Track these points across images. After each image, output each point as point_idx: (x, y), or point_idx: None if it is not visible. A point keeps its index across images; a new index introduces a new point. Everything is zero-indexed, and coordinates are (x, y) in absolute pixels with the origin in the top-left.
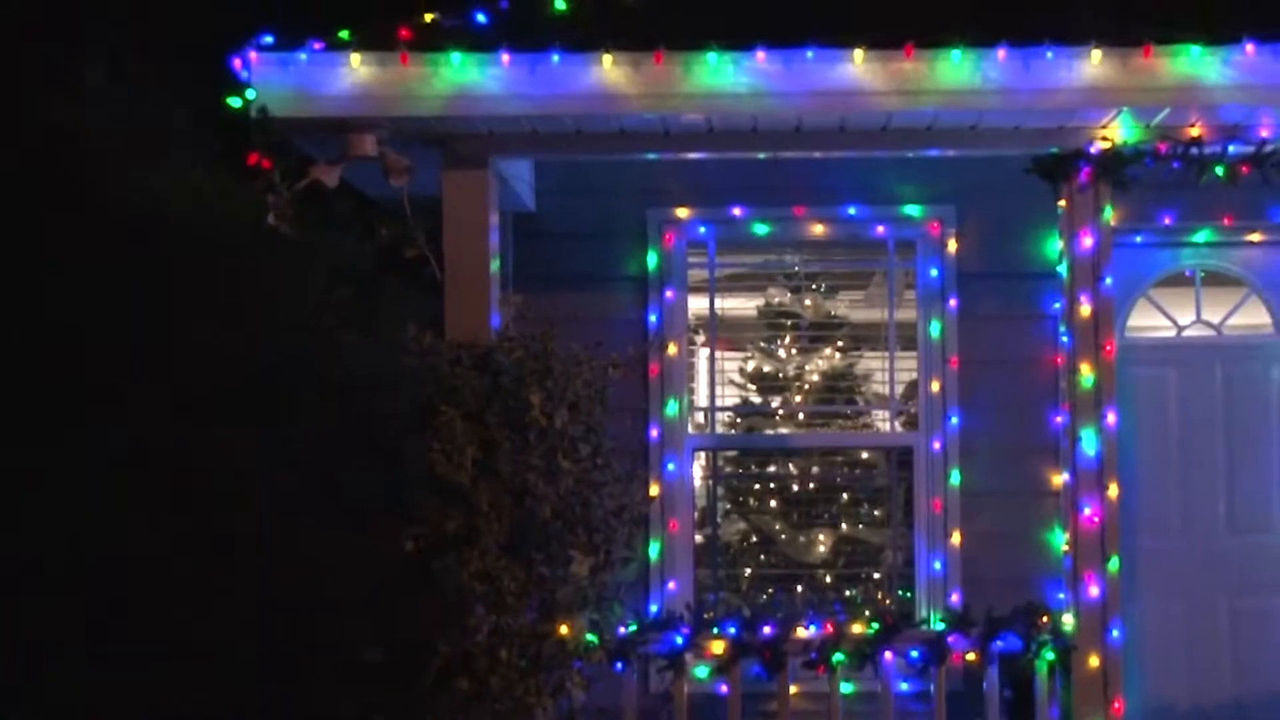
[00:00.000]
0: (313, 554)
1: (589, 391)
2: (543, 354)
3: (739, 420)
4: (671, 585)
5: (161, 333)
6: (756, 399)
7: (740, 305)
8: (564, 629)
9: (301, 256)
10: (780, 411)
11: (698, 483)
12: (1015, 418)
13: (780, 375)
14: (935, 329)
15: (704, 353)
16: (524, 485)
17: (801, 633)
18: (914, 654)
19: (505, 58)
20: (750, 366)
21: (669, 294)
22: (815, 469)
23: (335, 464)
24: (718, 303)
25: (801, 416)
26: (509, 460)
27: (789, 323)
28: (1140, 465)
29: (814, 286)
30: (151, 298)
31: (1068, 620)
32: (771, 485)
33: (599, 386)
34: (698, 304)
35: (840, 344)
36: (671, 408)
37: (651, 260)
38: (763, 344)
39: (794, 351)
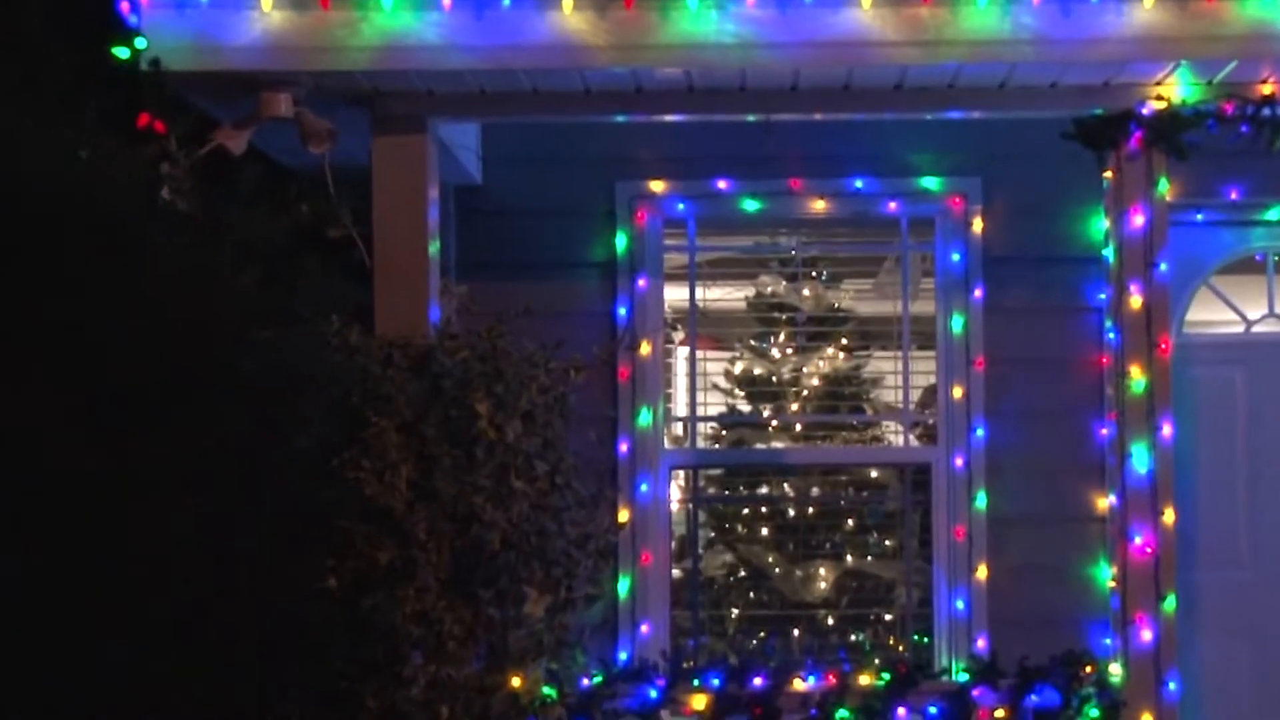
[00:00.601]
0: (215, 591)
1: (546, 399)
2: (491, 354)
3: (724, 433)
4: (644, 628)
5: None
6: (745, 407)
7: (726, 296)
8: (516, 681)
9: (203, 237)
10: (773, 422)
11: (676, 507)
12: (1052, 429)
13: (773, 379)
14: (957, 324)
15: (683, 352)
16: (469, 510)
17: (799, 685)
18: (933, 710)
19: (446, 2)
20: (738, 369)
21: (642, 283)
22: (815, 490)
23: (248, 484)
24: (700, 293)
25: (799, 428)
26: (451, 480)
27: (784, 317)
28: (1200, 485)
29: (814, 274)
30: (16, 287)
31: (1115, 670)
32: (763, 510)
33: (558, 393)
34: (676, 294)
35: (845, 342)
36: (644, 418)
37: (621, 243)
38: (753, 342)
39: (790, 351)
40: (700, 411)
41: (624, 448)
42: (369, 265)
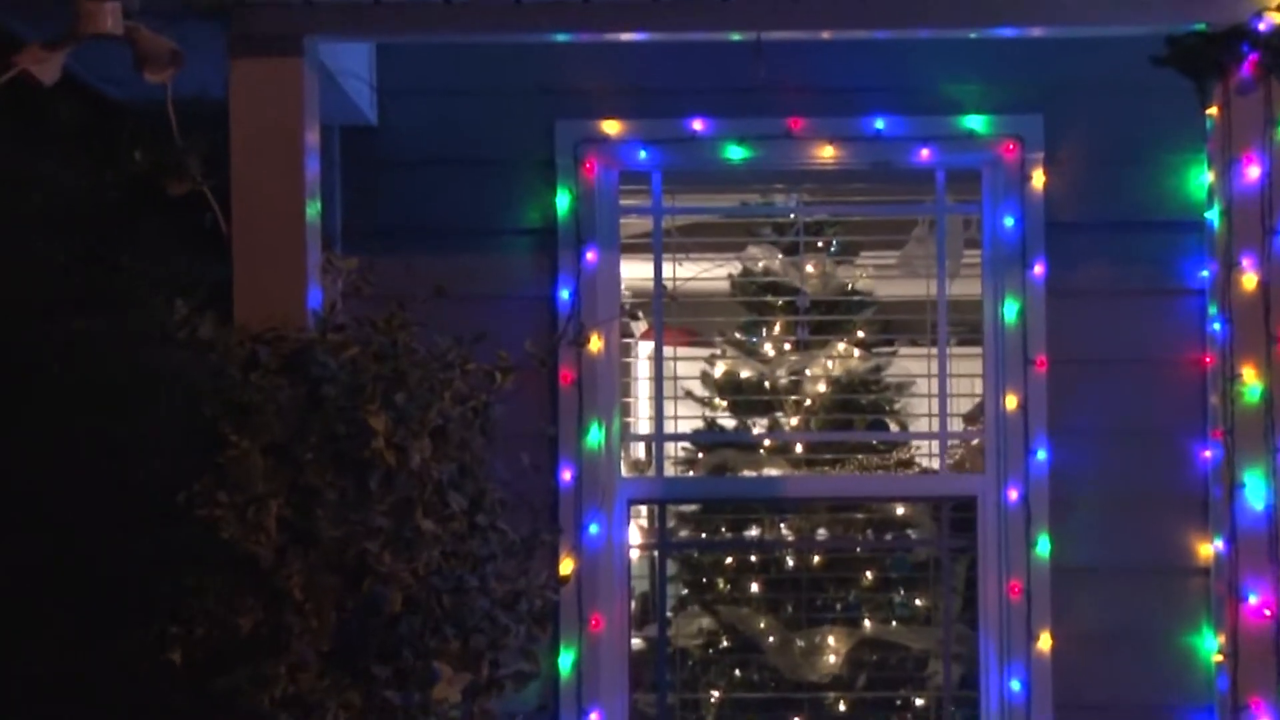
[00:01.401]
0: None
1: (464, 411)
2: (391, 352)
3: (702, 456)
4: (594, 717)
5: None
6: (729, 422)
7: (704, 274)
8: None
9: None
10: (766, 442)
11: (637, 554)
12: (1137, 451)
13: (766, 385)
14: (1011, 311)
15: (647, 349)
16: (361, 559)
17: None
18: None
19: None
20: (719, 371)
21: (591, 256)
22: (822, 533)
23: (56, 531)
24: (669, 270)
25: (800, 450)
26: (337, 520)
27: (780, 302)
28: None
29: (820, 244)
30: None
31: None
32: (753, 559)
33: (480, 403)
34: (637, 272)
35: (861, 335)
36: (595, 436)
37: (563, 203)
38: (739, 335)
39: (788, 347)
40: (669, 428)
41: (567, 476)
42: (225, 232)
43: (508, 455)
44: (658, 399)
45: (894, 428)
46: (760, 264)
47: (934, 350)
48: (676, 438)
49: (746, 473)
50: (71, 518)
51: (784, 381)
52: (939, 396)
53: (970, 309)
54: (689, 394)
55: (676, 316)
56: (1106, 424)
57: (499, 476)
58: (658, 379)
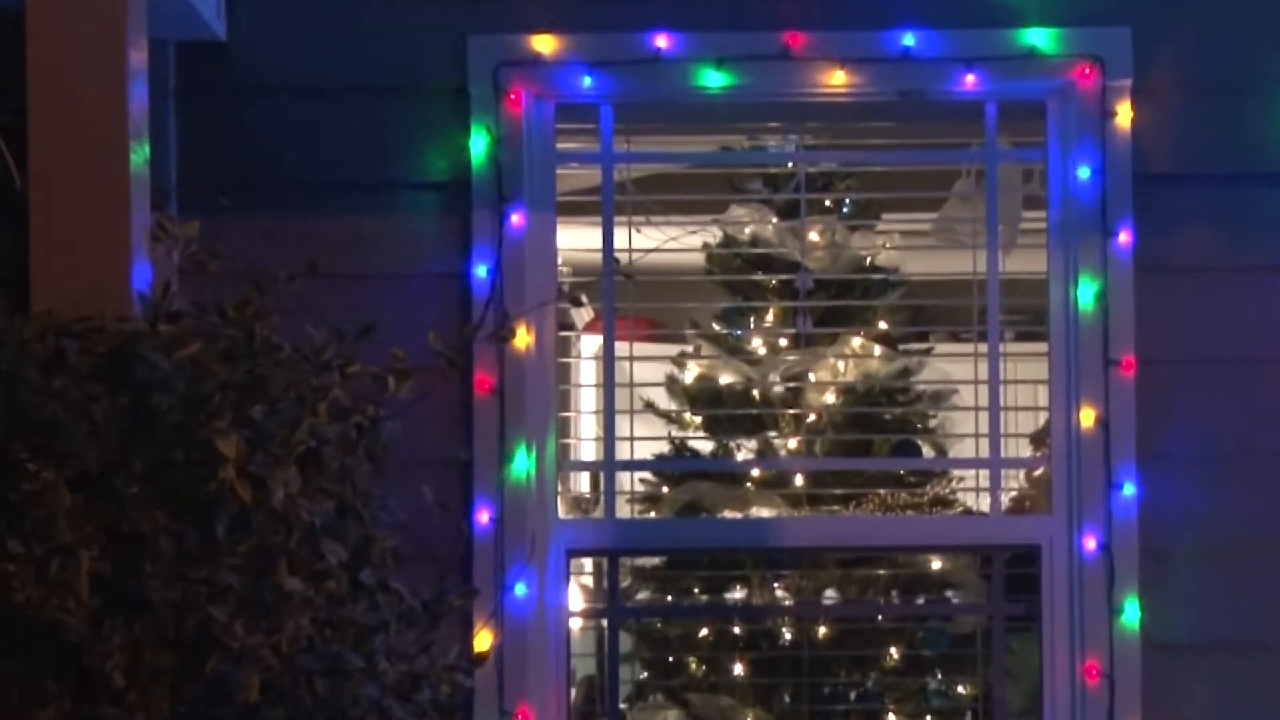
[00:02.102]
0: None
1: (345, 431)
2: (246, 350)
3: (666, 491)
4: None
5: None
6: (703, 444)
7: (671, 244)
8: None
9: None
10: (755, 472)
11: (578, 624)
12: (1260, 484)
13: (755, 394)
14: (1087, 295)
15: (592, 345)
16: (204, 630)
17: None
18: None
19: None
20: (690, 375)
21: (517, 220)
22: (830, 595)
23: None
24: (623, 239)
25: (800, 482)
26: (171, 578)
27: (774, 281)
28: None
29: (828, 204)
30: None
31: None
32: (735, 630)
33: (366, 420)
34: (580, 241)
35: (884, 327)
36: (522, 464)
37: (478, 146)
38: (718, 326)
39: (784, 343)
40: (623, 453)
41: (485, 518)
42: (18, 186)
43: (404, 490)
44: (607, 413)
45: (929, 453)
46: (747, 231)
47: (983, 347)
48: (633, 466)
49: (728, 514)
50: None
51: (779, 390)
52: (990, 411)
53: (1032, 291)
54: (650, 406)
55: (634, 301)
56: (1217, 447)
57: (392, 519)
58: (608, 386)
